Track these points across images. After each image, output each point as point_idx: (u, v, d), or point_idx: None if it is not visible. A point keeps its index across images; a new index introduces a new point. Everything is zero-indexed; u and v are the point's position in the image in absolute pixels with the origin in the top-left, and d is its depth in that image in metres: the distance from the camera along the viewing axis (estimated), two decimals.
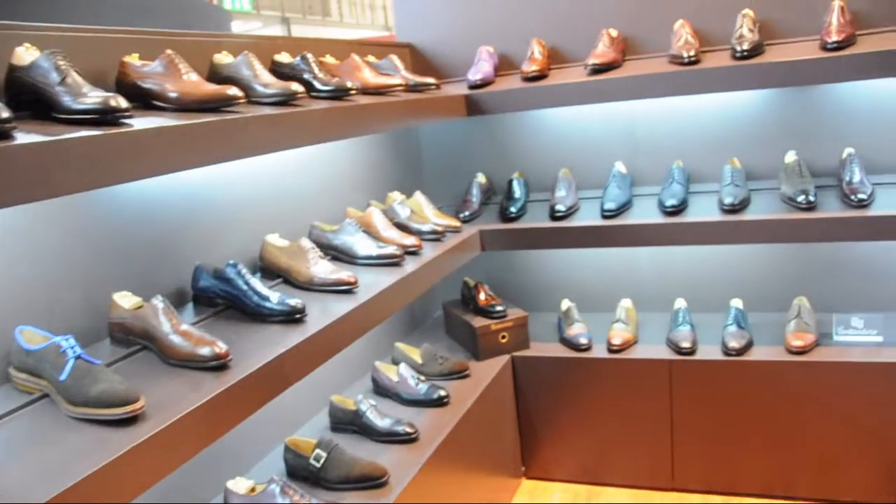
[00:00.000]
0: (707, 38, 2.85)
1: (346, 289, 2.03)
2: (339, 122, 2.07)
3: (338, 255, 2.32)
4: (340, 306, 1.94)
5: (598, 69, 2.80)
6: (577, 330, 2.97)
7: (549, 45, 3.07)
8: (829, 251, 2.93)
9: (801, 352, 2.68)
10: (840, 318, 2.76)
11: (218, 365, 1.54)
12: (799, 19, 2.79)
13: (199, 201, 2.06)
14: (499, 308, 2.96)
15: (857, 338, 2.73)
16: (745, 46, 2.61)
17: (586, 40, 2.95)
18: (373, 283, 2.12)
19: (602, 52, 2.85)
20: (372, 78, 2.43)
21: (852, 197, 2.60)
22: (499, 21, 3.17)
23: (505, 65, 3.16)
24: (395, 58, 2.77)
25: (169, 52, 1.65)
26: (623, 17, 2.99)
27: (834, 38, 2.52)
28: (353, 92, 2.16)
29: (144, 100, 1.61)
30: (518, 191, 3.07)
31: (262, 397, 1.60)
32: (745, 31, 2.70)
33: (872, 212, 2.55)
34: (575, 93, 2.80)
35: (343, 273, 2.06)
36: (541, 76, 2.92)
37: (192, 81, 1.63)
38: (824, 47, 2.55)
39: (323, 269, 2.08)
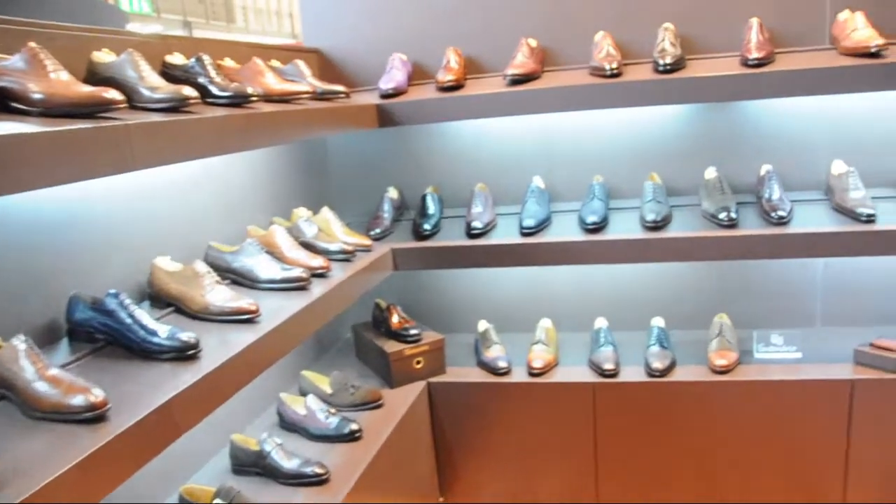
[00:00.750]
0: (628, 50, 2.77)
1: (246, 318, 1.81)
2: (237, 131, 1.84)
3: (237, 279, 2.09)
4: (240, 338, 1.72)
5: (517, 80, 2.67)
6: (495, 353, 2.83)
7: (466, 55, 2.93)
8: (750, 268, 2.90)
9: (725, 371, 2.62)
10: (760, 335, 2.73)
11: (93, 416, 1.30)
12: (718, 35, 2.75)
13: (76, 221, 1.79)
14: (413, 331, 2.78)
15: (777, 354, 2.71)
16: (668, 60, 2.54)
17: (505, 50, 2.82)
18: (277, 309, 1.90)
19: (521, 62, 2.72)
20: (276, 84, 2.22)
21: (772, 214, 2.57)
22: (413, 28, 3.01)
23: (419, 74, 3.00)
24: (301, 63, 2.57)
25: (32, 44, 1.40)
26: (543, 26, 2.89)
27: (755, 54, 2.47)
28: (254, 99, 1.94)
29: (1, 101, 1.36)
30: (432, 206, 2.91)
31: (147, 452, 1.37)
32: (666, 44, 2.63)
33: (792, 229, 2.53)
34: (492, 104, 2.66)
35: (243, 300, 1.83)
36: (456, 86, 2.77)
37: (62, 81, 1.38)
38: (746, 63, 2.50)
39: (220, 295, 1.85)
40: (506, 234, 2.76)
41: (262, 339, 1.74)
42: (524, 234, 2.71)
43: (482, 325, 2.97)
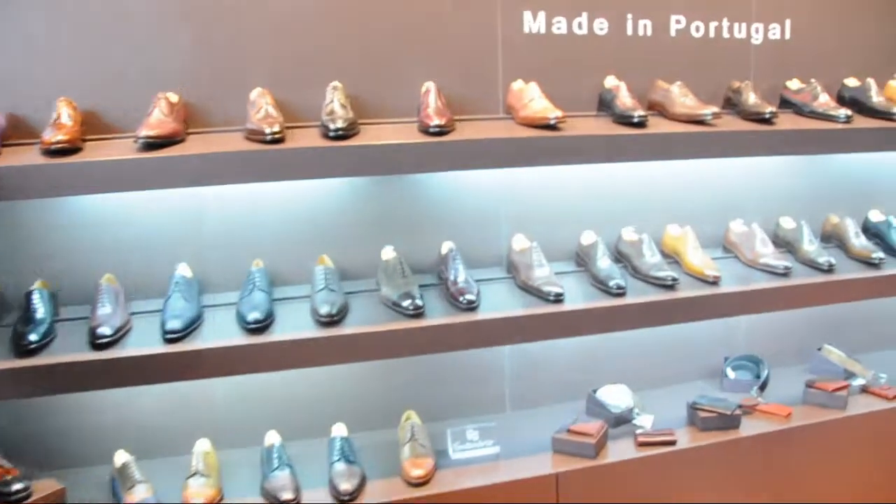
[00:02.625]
0: (291, 111, 2.35)
1: None
2: None
3: None
4: None
5: (153, 143, 2.08)
6: (139, 495, 2.16)
7: (85, 108, 2.26)
8: (438, 358, 2.59)
9: (422, 482, 2.26)
10: (455, 432, 2.44)
11: None
12: (392, 98, 2.46)
13: None
14: (17, 486, 2.01)
15: (474, 452, 2.44)
16: (340, 125, 2.15)
17: (138, 105, 2.23)
18: None
19: (158, 121, 2.14)
20: None
21: (461, 299, 2.29)
22: (10, 73, 2.27)
23: (20, 131, 2.25)
24: None
25: None
26: (186, 77, 2.34)
27: (437, 121, 2.20)
28: None
29: None
30: (41, 308, 2.16)
31: None
32: (336, 106, 2.25)
33: (482, 314, 2.27)
34: (118, 174, 2.01)
35: None
36: (70, 149, 2.09)
37: None
38: (426, 131, 2.21)
39: None
40: (145, 341, 2.12)
41: None
42: (169, 341, 2.10)
43: (120, 458, 2.27)
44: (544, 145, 2.27)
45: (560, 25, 2.64)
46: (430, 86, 2.37)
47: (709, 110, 2.49)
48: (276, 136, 2.11)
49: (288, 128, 2.24)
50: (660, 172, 2.80)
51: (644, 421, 2.62)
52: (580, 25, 2.67)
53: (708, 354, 3.03)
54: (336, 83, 2.34)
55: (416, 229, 2.58)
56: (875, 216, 3.10)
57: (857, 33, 3.11)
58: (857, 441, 2.75)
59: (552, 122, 2.29)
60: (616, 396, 2.69)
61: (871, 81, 2.88)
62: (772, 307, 2.62)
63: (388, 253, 2.46)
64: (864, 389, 2.89)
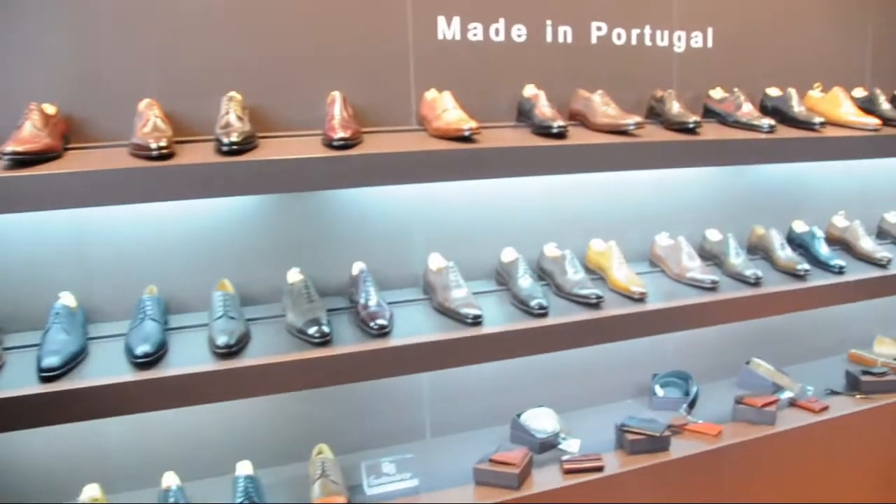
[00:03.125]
0: (185, 124, 2.16)
1: None
2: None
3: None
4: None
5: (22, 160, 1.87)
6: None
7: None
8: (350, 386, 2.42)
9: None
10: (369, 466, 2.29)
11: None
12: (296, 109, 2.30)
13: None
14: None
15: (391, 486, 2.27)
16: (234, 138, 1.97)
17: (15, 116, 2.00)
18: None
19: (30, 135, 1.92)
20: None
21: (371, 324, 2.13)
22: None
23: None
24: None
25: None
26: (64, 87, 2.13)
27: (340, 133, 2.03)
28: None
29: None
30: None
31: None
32: (232, 118, 2.07)
33: (395, 340, 2.12)
34: None
35: None
36: None
37: None
38: (329, 144, 2.05)
39: None
40: (20, 381, 1.89)
41: None
42: (45, 379, 1.88)
43: None
44: (459, 158, 2.13)
45: (476, 32, 2.52)
46: (335, 95, 2.22)
47: (632, 120, 2.39)
48: (164, 151, 1.91)
49: (179, 142, 2.05)
50: (582, 185, 2.70)
51: (570, 446, 2.50)
52: (497, 32, 2.55)
53: (635, 372, 2.94)
54: (233, 93, 2.16)
55: (325, 249, 2.41)
56: (799, 227, 3.07)
57: (779, 43, 3.08)
58: (786, 457, 2.69)
59: (467, 133, 2.15)
60: (541, 421, 2.56)
61: (792, 91, 2.84)
62: (700, 323, 2.53)
63: (293, 275, 2.28)
64: (793, 403, 2.85)
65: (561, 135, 2.32)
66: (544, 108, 2.40)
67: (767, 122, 2.63)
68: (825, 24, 3.20)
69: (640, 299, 2.44)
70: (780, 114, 2.79)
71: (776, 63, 3.07)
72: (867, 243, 3.04)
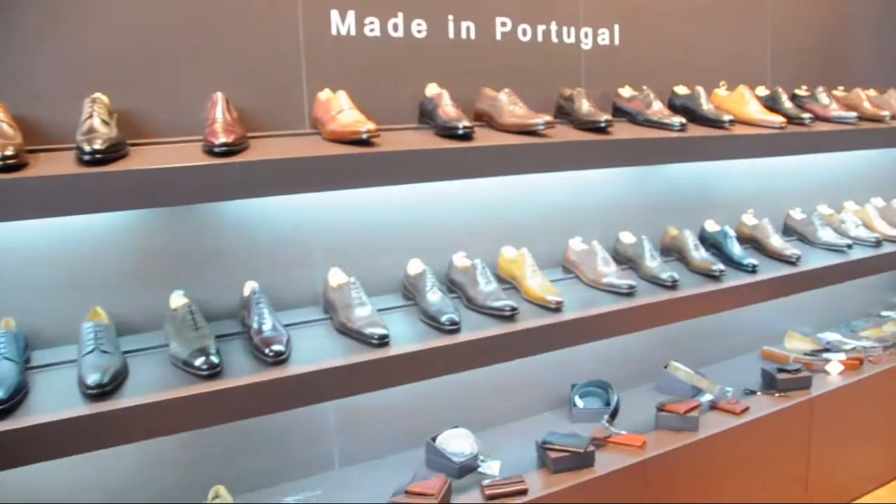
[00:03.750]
0: (41, 130, 1.89)
1: None
2: None
3: None
4: None
5: None
6: None
7: None
8: (245, 422, 2.17)
9: None
10: None
11: None
12: (174, 113, 2.05)
13: None
14: None
15: None
16: (99, 146, 1.71)
17: None
18: None
19: None
20: None
21: (266, 351, 1.91)
22: None
23: None
24: None
25: None
26: None
27: (223, 138, 1.81)
28: None
29: None
30: None
31: None
32: (96, 122, 1.80)
33: (293, 368, 1.90)
34: None
35: None
36: None
37: None
38: (211, 151, 1.82)
39: None
40: None
41: None
42: None
43: None
44: (356, 164, 1.93)
45: (373, 27, 2.33)
46: (217, 97, 1.98)
47: (541, 119, 2.25)
48: (10, 161, 1.64)
49: (33, 151, 1.78)
50: (489, 189, 2.55)
51: (491, 468, 2.34)
52: (396, 27, 2.37)
53: (553, 383, 2.81)
54: (97, 94, 1.89)
55: (211, 269, 2.17)
56: (711, 226, 3.01)
57: (683, 41, 3.03)
58: (710, 462, 2.62)
59: (364, 136, 1.96)
60: (457, 443, 2.39)
61: (700, 90, 2.78)
62: (620, 331, 2.42)
63: (176, 299, 2.03)
64: (714, 406, 2.78)
65: (467, 136, 2.15)
66: (448, 108, 2.23)
67: (678, 120, 2.55)
68: (727, 23, 3.17)
69: (557, 309, 2.30)
70: (690, 112, 2.72)
71: (681, 61, 3.02)
72: (777, 241, 3.01)
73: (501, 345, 2.15)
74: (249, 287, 2.09)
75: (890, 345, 3.44)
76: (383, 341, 2.01)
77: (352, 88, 2.15)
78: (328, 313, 2.22)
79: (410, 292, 2.34)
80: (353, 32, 2.30)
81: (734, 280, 2.69)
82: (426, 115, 2.33)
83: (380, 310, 2.17)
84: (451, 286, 2.43)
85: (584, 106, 2.48)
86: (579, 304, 2.39)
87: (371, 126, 1.97)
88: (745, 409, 2.73)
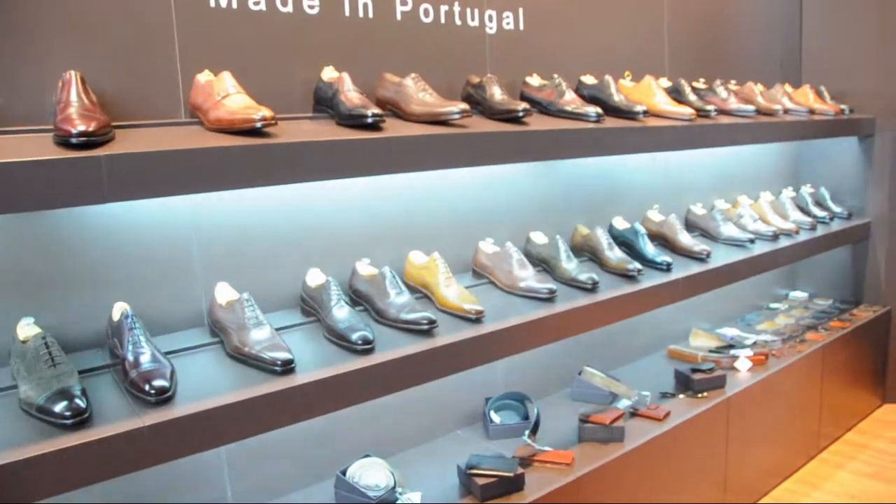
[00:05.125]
0: None
1: None
2: None
3: None
4: None
5: None
6: None
7: None
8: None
9: None
10: None
11: None
12: (16, 99, 1.66)
13: None
14: None
15: None
16: None
17: None
18: None
19: None
20: None
21: (147, 388, 1.55)
22: None
23: None
24: None
25: None
26: None
27: (81, 126, 1.44)
28: None
29: None
30: None
31: None
32: None
33: (179, 408, 1.55)
34: None
35: None
36: None
37: None
38: (66, 142, 1.45)
39: None
40: None
41: None
42: None
43: None
44: (248, 158, 1.61)
45: (258, 0, 2.01)
46: (70, 75, 1.60)
47: (457, 108, 2.01)
48: None
49: None
50: (391, 187, 2.28)
51: (412, 499, 2.07)
52: (284, 1, 2.05)
53: (464, 397, 2.58)
54: None
55: (71, 289, 1.78)
56: (620, 224, 2.88)
57: (585, 29, 2.87)
58: (638, 473, 2.46)
59: (258, 124, 1.65)
60: (371, 474, 2.10)
61: (609, 79, 2.64)
62: (545, 340, 2.20)
63: (26, 329, 1.64)
64: (635, 412, 2.63)
65: (376, 125, 1.88)
66: (351, 95, 1.95)
67: (594, 110, 2.38)
68: (626, 11, 3.05)
69: (478, 320, 2.06)
70: (600, 102, 2.56)
71: (583, 49, 2.87)
72: (685, 237, 2.92)
73: (422, 363, 1.88)
74: (119, 309, 1.72)
75: (787, 337, 3.45)
76: (288, 368, 1.70)
77: (234, 71, 1.82)
78: (217, 336, 1.87)
79: (311, 307, 2.03)
80: (234, 5, 1.96)
81: (650, 280, 2.55)
82: (323, 103, 2.03)
83: (277, 329, 1.86)
84: (356, 297, 2.14)
85: (497, 94, 2.26)
86: (496, 311, 2.16)
87: (266, 112, 1.65)
88: (668, 415, 2.61)
